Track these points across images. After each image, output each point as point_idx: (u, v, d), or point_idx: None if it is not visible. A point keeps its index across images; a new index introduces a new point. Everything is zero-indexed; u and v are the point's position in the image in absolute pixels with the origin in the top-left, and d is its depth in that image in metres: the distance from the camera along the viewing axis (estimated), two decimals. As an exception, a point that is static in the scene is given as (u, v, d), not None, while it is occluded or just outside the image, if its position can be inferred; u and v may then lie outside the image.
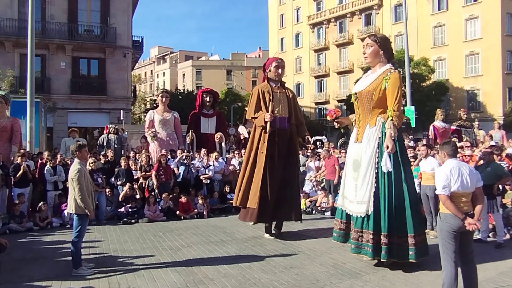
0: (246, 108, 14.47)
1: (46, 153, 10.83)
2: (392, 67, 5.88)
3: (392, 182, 5.48)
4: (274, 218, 7.69)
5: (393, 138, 5.45)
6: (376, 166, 5.54)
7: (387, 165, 5.42)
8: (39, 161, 10.51)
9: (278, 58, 8.33)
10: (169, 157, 11.14)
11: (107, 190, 10.07)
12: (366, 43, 6.01)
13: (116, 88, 27.03)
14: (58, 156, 10.40)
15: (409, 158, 9.11)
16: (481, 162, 7.38)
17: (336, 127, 6.37)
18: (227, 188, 11.11)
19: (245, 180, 7.67)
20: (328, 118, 6.53)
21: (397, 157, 5.55)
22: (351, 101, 6.28)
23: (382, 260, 5.44)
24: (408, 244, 5.37)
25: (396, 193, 5.46)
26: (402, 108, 5.74)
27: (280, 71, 7.92)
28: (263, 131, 7.58)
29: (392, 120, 5.49)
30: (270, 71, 7.97)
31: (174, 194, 10.42)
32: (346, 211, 5.89)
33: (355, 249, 5.66)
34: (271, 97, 7.71)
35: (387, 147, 5.40)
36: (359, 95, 5.94)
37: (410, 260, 5.38)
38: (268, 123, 7.48)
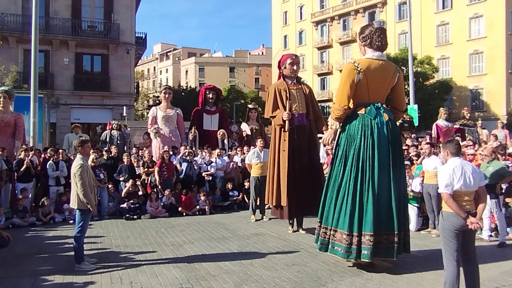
0: (249, 106, 14.50)
1: (50, 149, 10.86)
2: (365, 57, 5.56)
3: (333, 175, 5.58)
4: (305, 213, 7.69)
5: (333, 131, 5.65)
6: (332, 158, 5.77)
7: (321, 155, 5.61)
8: (42, 156, 10.53)
9: (292, 54, 8.28)
10: (171, 153, 11.15)
11: (110, 186, 10.10)
12: None
13: (119, 85, 27.08)
14: (61, 151, 10.43)
15: (412, 157, 9.14)
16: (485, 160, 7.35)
17: None
18: (229, 185, 11.12)
19: (275, 180, 7.75)
20: None
21: (354, 150, 5.40)
22: None
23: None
24: (336, 238, 5.37)
25: (332, 185, 5.54)
26: (345, 99, 5.43)
27: (295, 67, 7.89)
28: (283, 129, 7.64)
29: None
30: (285, 68, 7.95)
31: (177, 191, 10.44)
32: None
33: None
34: (287, 95, 7.71)
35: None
36: None
37: (334, 255, 5.46)
38: (287, 122, 7.54)
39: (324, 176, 8.14)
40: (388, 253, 5.22)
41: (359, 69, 5.37)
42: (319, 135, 6.96)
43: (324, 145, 5.75)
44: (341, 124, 5.64)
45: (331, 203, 5.50)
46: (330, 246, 5.44)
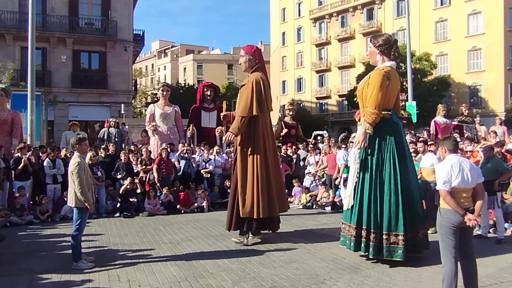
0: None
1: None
2: (387, 66, 5.81)
3: (372, 178, 5.61)
4: None
5: (364, 134, 5.62)
6: (358, 162, 5.76)
7: (350, 160, 5.73)
8: (41, 154, 10.49)
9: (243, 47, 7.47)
10: (169, 151, 11.12)
11: (110, 188, 10.06)
12: (368, 45, 6.30)
13: (117, 82, 27.00)
14: (64, 150, 10.37)
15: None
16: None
17: None
18: (227, 183, 11.08)
19: None
20: (356, 118, 6.77)
21: (380, 153, 5.63)
22: (355, 100, 6.45)
23: (368, 254, 5.61)
24: (390, 242, 5.42)
25: (378, 190, 5.56)
26: (380, 105, 5.57)
27: (239, 61, 7.32)
28: None
29: (364, 117, 5.64)
30: None
31: (175, 188, 10.42)
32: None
33: (341, 241, 5.97)
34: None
35: (356, 143, 5.68)
36: (357, 94, 6.17)
37: (393, 258, 5.43)
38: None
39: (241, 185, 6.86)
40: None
41: (388, 75, 5.66)
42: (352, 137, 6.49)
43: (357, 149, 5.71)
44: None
45: (377, 208, 5.54)
46: (384, 250, 5.44)
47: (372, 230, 5.50)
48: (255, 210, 6.52)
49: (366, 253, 5.57)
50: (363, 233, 5.55)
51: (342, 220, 6.03)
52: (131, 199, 9.79)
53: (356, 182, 5.74)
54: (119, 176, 10.33)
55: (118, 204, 9.85)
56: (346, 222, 5.86)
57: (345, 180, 9.37)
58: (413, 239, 5.47)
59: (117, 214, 9.52)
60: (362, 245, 5.55)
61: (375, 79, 5.67)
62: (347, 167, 9.36)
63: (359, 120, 6.35)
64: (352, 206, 5.74)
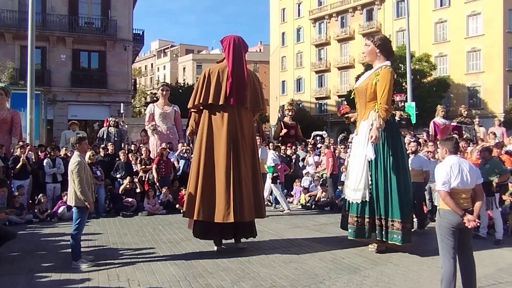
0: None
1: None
2: (388, 64, 6.04)
3: (382, 170, 5.90)
4: None
5: (378, 129, 5.78)
6: (374, 156, 5.92)
7: (368, 154, 5.85)
8: (40, 153, 10.48)
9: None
10: (168, 150, 11.11)
11: (109, 187, 10.05)
12: (365, 43, 6.45)
13: (117, 81, 26.99)
14: (63, 150, 10.36)
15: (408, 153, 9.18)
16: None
17: (346, 122, 6.86)
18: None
19: None
20: (338, 113, 7.07)
21: (391, 148, 5.93)
22: (351, 97, 6.62)
23: (385, 240, 5.97)
24: (395, 228, 5.83)
25: (385, 181, 5.87)
26: (391, 102, 6.02)
27: None
28: None
29: (377, 112, 5.81)
30: None
31: (174, 188, 10.42)
32: (346, 198, 6.38)
33: (352, 233, 6.14)
34: None
35: (371, 137, 5.78)
36: (356, 91, 6.33)
37: (396, 243, 5.85)
38: None
39: None
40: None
41: (394, 74, 6.03)
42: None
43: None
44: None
45: (392, 196, 5.86)
46: (390, 235, 5.86)
47: (399, 220, 5.77)
48: (193, 209, 6.05)
49: (395, 242, 5.84)
50: (383, 222, 5.86)
51: (350, 214, 6.14)
52: (128, 199, 9.78)
53: (369, 175, 5.96)
54: (118, 176, 10.32)
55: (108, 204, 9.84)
56: (361, 215, 6.00)
57: (275, 178, 9.67)
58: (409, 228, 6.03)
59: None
60: (383, 232, 5.86)
61: (386, 77, 5.86)
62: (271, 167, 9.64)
63: (342, 115, 6.83)
64: (370, 198, 5.96)
